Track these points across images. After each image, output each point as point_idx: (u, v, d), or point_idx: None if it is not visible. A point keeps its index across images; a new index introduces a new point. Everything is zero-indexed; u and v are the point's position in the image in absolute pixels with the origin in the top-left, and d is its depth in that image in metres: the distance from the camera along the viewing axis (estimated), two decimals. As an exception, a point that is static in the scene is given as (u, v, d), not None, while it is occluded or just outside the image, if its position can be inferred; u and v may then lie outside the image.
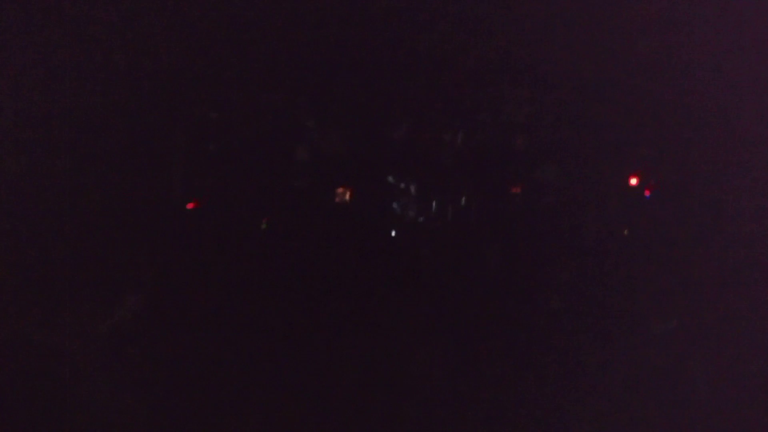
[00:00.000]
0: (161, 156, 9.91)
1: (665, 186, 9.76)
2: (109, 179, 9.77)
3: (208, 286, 9.68)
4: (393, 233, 9.80)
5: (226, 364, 9.33)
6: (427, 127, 9.90)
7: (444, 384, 9.51)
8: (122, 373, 9.23)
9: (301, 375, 9.45)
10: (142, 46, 9.87)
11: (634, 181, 9.86)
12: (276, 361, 9.47)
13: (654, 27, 9.78)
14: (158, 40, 9.92)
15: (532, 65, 9.83)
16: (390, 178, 9.83)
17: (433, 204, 9.81)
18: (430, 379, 9.52)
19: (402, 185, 9.82)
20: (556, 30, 9.78)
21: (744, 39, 9.57)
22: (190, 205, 9.92)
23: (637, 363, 9.45)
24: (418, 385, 9.50)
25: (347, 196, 9.84)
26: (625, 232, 9.84)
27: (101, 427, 9.12)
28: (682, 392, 9.35)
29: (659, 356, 9.45)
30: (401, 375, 9.52)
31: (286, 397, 9.37)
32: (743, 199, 9.53)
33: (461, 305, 9.65)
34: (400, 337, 9.59)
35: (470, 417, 9.39)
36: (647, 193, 9.81)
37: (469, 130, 9.88)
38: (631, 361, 9.48)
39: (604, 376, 9.44)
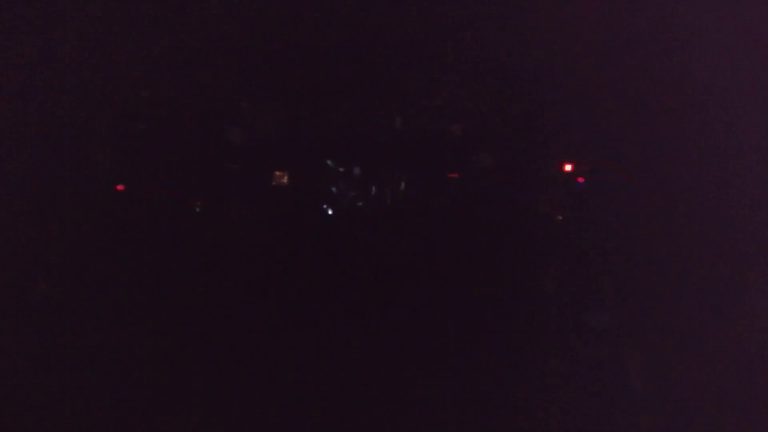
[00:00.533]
0: (88, 136, 9.55)
1: (598, 172, 9.91)
2: (31, 162, 9.40)
3: (137, 271, 9.41)
4: (331, 215, 9.69)
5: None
6: (366, 112, 9.80)
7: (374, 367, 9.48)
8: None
9: (229, 360, 9.31)
10: (71, 23, 9.50)
11: (568, 168, 9.99)
12: (204, 343, 9.29)
13: (587, 11, 9.86)
14: (87, 16, 9.55)
15: (470, 52, 9.83)
16: (329, 162, 9.70)
17: (372, 188, 9.73)
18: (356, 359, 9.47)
19: (341, 169, 9.71)
20: (493, 16, 9.80)
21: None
22: (118, 187, 9.61)
23: (568, 352, 9.58)
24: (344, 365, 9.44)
25: (285, 180, 9.68)
26: (560, 217, 9.96)
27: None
28: (615, 385, 9.50)
29: (593, 345, 9.60)
30: (332, 354, 9.44)
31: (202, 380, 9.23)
32: (679, 183, 9.73)
33: (397, 287, 9.61)
34: (336, 319, 9.51)
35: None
36: (580, 180, 9.95)
37: (408, 116, 9.83)
38: (562, 350, 9.60)
39: (528, 364, 9.52)
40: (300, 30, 9.72)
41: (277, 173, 9.66)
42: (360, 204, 9.72)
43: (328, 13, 9.73)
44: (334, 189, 9.69)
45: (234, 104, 9.73)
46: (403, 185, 9.78)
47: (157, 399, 9.10)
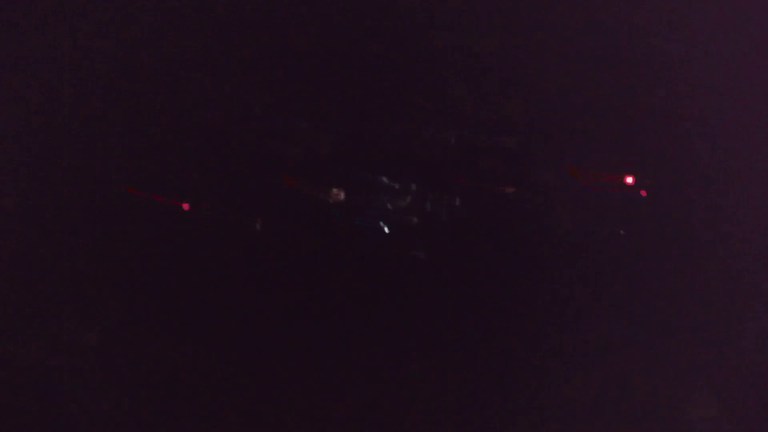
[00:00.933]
0: (155, 157, 9.94)
1: (662, 186, 9.69)
2: (101, 182, 9.82)
3: (203, 288, 9.71)
4: (387, 231, 9.78)
5: (219, 365, 9.36)
6: (422, 128, 9.88)
7: (438, 383, 9.50)
8: (114, 382, 9.26)
9: (298, 374, 9.47)
10: (138, 47, 9.92)
11: (630, 180, 9.79)
12: (272, 360, 9.48)
13: (649, 29, 9.73)
14: (154, 41, 9.96)
15: (527, 66, 9.80)
16: (384, 179, 9.81)
17: (428, 204, 9.78)
18: (424, 377, 9.51)
19: (396, 185, 9.80)
20: (552, 31, 9.75)
21: (738, 40, 9.51)
22: (185, 206, 9.95)
23: (633, 361, 9.40)
24: (411, 383, 9.50)
25: (341, 197, 9.84)
26: (622, 231, 9.77)
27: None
28: (682, 390, 9.32)
29: (657, 353, 9.41)
30: (394, 372, 9.51)
31: (283, 396, 9.39)
32: (741, 197, 9.47)
33: (455, 304, 9.62)
34: (395, 334, 9.58)
35: (466, 418, 9.39)
36: (643, 193, 9.74)
37: (464, 131, 9.85)
38: (627, 360, 9.42)
39: (599, 376, 9.39)
40: (355, 48, 9.89)
41: (334, 190, 9.83)
42: (415, 219, 9.78)
43: (384, 34, 9.87)
44: (389, 206, 9.79)
45: (292, 123, 9.96)
46: (458, 201, 9.80)
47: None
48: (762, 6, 9.56)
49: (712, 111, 9.59)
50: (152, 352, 9.40)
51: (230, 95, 9.97)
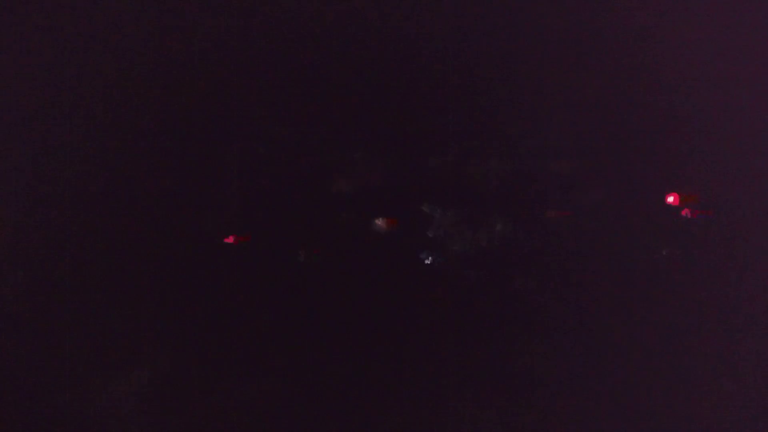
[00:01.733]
0: (206, 190, 10.22)
1: (705, 205, 9.70)
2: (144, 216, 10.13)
3: (250, 321, 9.98)
4: (430, 261, 9.95)
5: (264, 415, 9.62)
6: (465, 155, 10.01)
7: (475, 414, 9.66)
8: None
9: (344, 411, 9.70)
10: (190, 81, 10.19)
11: (671, 200, 9.81)
12: (319, 405, 9.73)
13: (689, 47, 9.72)
14: (206, 77, 10.23)
15: (564, 90, 9.86)
16: (425, 207, 9.97)
17: (472, 232, 9.92)
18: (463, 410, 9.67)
19: (439, 213, 9.95)
20: (591, 55, 9.79)
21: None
22: (228, 240, 10.23)
23: (679, 386, 9.45)
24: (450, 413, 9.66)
25: (387, 226, 10.03)
26: (664, 252, 9.81)
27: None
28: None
29: (701, 378, 9.44)
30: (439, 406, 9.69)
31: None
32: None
33: (503, 334, 9.76)
34: (441, 367, 9.75)
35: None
36: (685, 213, 9.76)
37: (505, 157, 9.95)
38: (675, 386, 9.48)
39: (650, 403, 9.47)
40: (400, 80, 10.04)
41: (378, 221, 10.02)
42: (461, 248, 9.93)
43: (428, 65, 10.01)
44: (431, 234, 9.95)
45: (342, 154, 10.16)
46: (500, 226, 9.92)
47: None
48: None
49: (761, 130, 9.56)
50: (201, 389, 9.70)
51: (274, 126, 10.20)
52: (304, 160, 10.25)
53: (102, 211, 10.08)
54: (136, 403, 9.65)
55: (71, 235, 10.06)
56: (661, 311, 9.67)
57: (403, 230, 10.04)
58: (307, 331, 9.92)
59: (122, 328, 9.87)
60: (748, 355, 9.41)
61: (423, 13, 10.00)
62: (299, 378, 9.84)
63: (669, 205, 9.82)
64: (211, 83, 10.27)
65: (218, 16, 10.11)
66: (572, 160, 9.92)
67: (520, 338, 9.76)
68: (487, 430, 9.57)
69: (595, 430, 9.50)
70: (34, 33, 10.02)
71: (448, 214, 9.96)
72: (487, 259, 9.91)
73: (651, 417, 9.49)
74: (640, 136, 9.83)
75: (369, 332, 9.86)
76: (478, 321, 9.80)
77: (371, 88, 10.14)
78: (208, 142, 10.25)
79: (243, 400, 9.80)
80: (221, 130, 10.27)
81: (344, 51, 10.14)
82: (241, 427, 9.69)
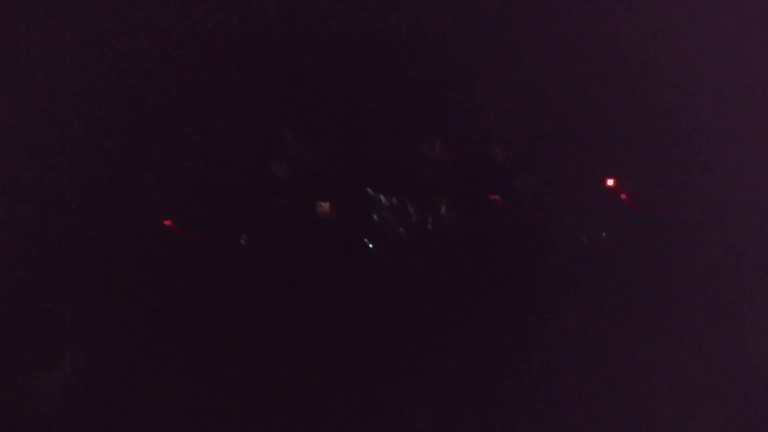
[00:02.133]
0: (136, 173, 9.79)
1: (642, 190, 9.85)
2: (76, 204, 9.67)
3: (187, 304, 9.69)
4: (372, 245, 9.83)
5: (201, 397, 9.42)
6: (405, 139, 9.85)
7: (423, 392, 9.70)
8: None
9: (287, 387, 9.58)
10: (117, 62, 9.66)
11: (610, 182, 9.93)
12: (256, 380, 9.57)
13: (628, 36, 9.77)
14: (134, 55, 9.70)
15: (507, 76, 9.79)
16: (369, 190, 9.80)
17: (413, 214, 9.83)
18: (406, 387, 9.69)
19: (382, 197, 9.80)
20: (533, 41, 9.72)
21: (720, 42, 9.59)
22: (166, 222, 9.85)
23: (623, 364, 9.69)
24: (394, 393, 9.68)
25: (328, 209, 9.82)
26: (604, 234, 9.96)
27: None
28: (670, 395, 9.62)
29: (645, 358, 9.69)
30: (377, 382, 9.68)
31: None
32: (722, 199, 9.67)
33: (444, 313, 9.77)
34: (381, 345, 9.71)
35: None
36: (624, 197, 9.90)
37: (448, 141, 9.84)
38: (616, 362, 9.71)
39: (588, 381, 9.68)
40: (338, 61, 9.75)
41: (321, 204, 9.80)
42: (402, 230, 9.83)
43: (366, 46, 9.73)
44: (375, 217, 9.81)
45: (276, 137, 9.84)
46: (443, 209, 9.86)
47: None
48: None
49: (696, 113, 9.71)
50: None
51: (211, 108, 9.80)
52: (236, 142, 9.89)
53: (11, 203, 9.54)
54: (56, 401, 9.30)
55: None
56: (599, 292, 9.86)
57: (346, 214, 9.86)
58: (243, 321, 9.70)
59: (41, 328, 9.44)
60: (697, 333, 9.72)
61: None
62: (231, 374, 9.64)
63: (608, 189, 9.94)
64: (136, 64, 9.74)
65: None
66: (511, 146, 9.90)
67: (461, 322, 9.80)
68: (423, 421, 9.63)
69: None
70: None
71: (392, 198, 9.82)
72: (432, 244, 9.86)
73: (577, 394, 9.70)
74: (578, 122, 9.87)
75: (308, 319, 9.72)
76: (423, 306, 9.79)
77: (308, 70, 9.81)
78: (134, 126, 9.76)
79: (167, 398, 9.55)
80: (147, 113, 9.79)
81: (279, 32, 9.75)
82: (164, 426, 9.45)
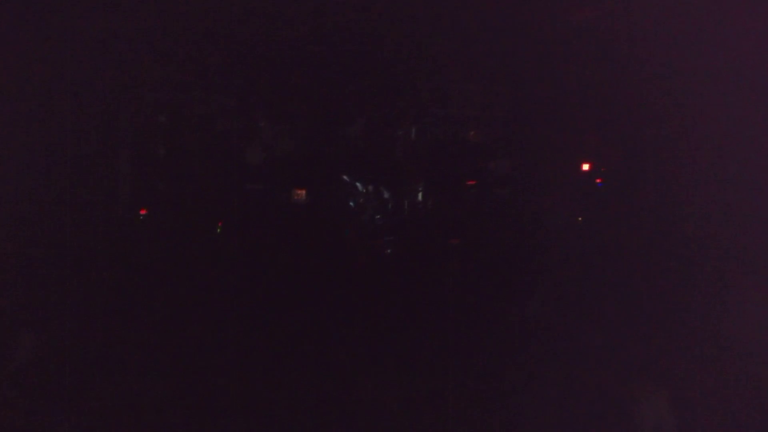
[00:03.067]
0: (109, 162, 9.71)
1: (616, 173, 9.91)
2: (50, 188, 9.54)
3: (162, 295, 9.59)
4: (348, 231, 9.80)
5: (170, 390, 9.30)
6: (380, 124, 9.85)
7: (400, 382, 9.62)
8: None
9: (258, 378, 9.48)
10: (90, 52, 9.60)
11: (586, 167, 9.98)
12: (231, 369, 9.46)
13: (602, 17, 9.83)
14: (103, 41, 9.64)
15: (481, 59, 9.83)
16: (345, 177, 9.79)
17: (389, 200, 9.81)
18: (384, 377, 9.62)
19: (357, 183, 9.79)
20: (506, 24, 9.76)
21: (694, 29, 9.66)
22: (142, 211, 9.78)
23: (596, 352, 9.66)
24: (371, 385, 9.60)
25: (303, 196, 9.79)
26: (579, 218, 9.99)
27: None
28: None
29: (614, 345, 9.66)
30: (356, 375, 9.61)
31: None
32: (693, 185, 9.71)
33: (421, 300, 9.73)
34: (358, 334, 9.64)
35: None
36: (598, 181, 9.95)
37: (422, 126, 9.86)
38: (589, 351, 9.68)
39: (564, 368, 9.64)
40: (309, 44, 9.76)
41: (297, 191, 9.77)
42: (378, 216, 9.81)
43: (340, 30, 9.74)
44: (351, 203, 9.78)
45: (249, 123, 9.82)
46: (420, 196, 9.85)
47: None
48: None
49: (673, 99, 9.76)
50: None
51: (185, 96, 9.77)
52: (207, 128, 9.86)
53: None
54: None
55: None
56: (575, 278, 9.86)
57: (321, 201, 9.83)
58: (225, 304, 9.62)
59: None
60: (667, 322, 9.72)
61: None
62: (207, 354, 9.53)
63: (584, 173, 9.99)
64: (107, 48, 9.68)
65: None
66: (485, 129, 9.94)
67: (437, 311, 9.75)
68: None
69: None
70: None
71: (367, 183, 9.81)
72: (409, 229, 9.84)
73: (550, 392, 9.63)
74: (553, 104, 9.93)
75: (287, 310, 9.65)
76: (401, 293, 9.74)
77: (279, 54, 9.82)
78: (104, 112, 9.70)
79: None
80: (119, 99, 9.73)
81: (251, 14, 9.75)
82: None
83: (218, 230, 9.75)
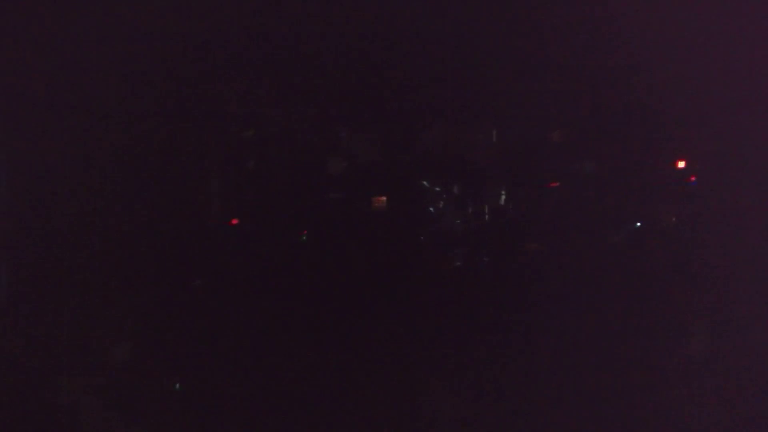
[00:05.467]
0: (199, 175, 9.98)
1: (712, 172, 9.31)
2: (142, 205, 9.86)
3: (250, 300, 9.77)
4: (429, 237, 9.68)
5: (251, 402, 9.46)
6: (459, 128, 9.66)
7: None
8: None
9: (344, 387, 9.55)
10: (176, 70, 9.87)
11: (681, 164, 9.43)
12: (315, 379, 9.54)
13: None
14: (193, 61, 9.89)
15: (563, 58, 9.45)
16: (425, 182, 9.65)
17: (470, 205, 9.62)
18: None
19: (437, 188, 9.65)
20: (586, 21, 9.37)
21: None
22: (233, 222, 10.00)
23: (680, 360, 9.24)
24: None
25: (384, 204, 9.74)
26: (673, 219, 9.47)
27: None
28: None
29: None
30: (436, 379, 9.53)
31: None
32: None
33: (503, 305, 9.50)
34: (443, 339, 9.54)
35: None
36: (692, 179, 9.38)
37: (503, 128, 9.59)
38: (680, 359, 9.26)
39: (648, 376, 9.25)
40: (388, 56, 9.67)
41: (377, 199, 9.73)
42: (458, 222, 9.63)
43: (412, 33, 9.60)
44: (432, 209, 9.65)
45: (332, 134, 9.84)
46: (502, 201, 9.60)
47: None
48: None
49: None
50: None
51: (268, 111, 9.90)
52: (292, 141, 9.93)
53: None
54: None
55: None
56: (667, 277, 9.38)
57: (401, 208, 9.74)
58: (309, 311, 9.72)
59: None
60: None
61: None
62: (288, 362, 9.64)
63: (678, 171, 9.44)
64: (196, 67, 9.91)
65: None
66: (566, 129, 9.54)
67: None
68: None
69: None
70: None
71: (449, 188, 9.63)
72: (489, 235, 9.61)
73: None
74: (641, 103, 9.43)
75: (375, 313, 9.65)
76: (482, 295, 9.53)
77: (358, 68, 9.75)
78: (194, 126, 9.94)
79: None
80: (207, 114, 9.96)
81: (329, 30, 9.74)
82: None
83: (302, 239, 9.85)
